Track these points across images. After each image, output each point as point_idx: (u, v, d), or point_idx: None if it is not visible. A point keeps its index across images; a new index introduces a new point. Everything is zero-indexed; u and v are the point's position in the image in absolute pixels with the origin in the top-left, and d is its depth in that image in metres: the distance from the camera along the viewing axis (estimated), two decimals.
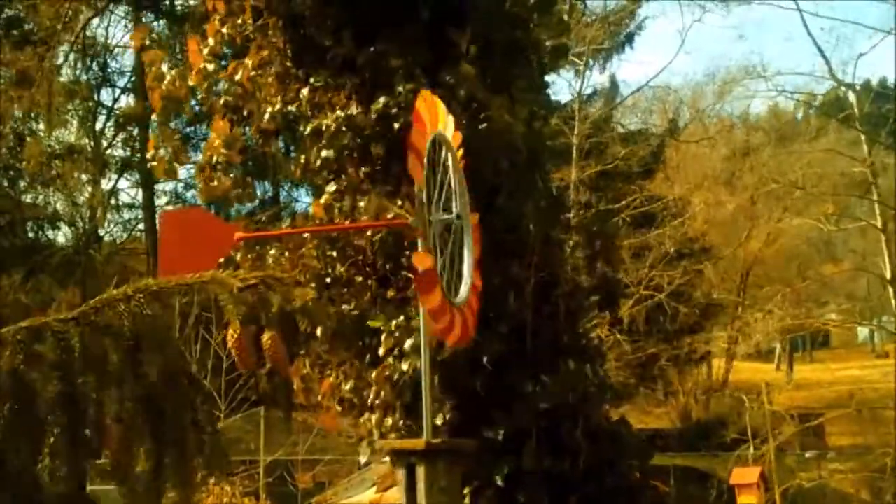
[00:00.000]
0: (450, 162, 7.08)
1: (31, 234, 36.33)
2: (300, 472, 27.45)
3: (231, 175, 10.39)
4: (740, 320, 33.40)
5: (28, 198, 36.04)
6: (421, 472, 6.47)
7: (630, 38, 38.99)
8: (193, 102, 10.42)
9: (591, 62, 36.06)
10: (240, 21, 10.08)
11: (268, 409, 26.21)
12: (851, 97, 28.11)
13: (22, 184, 35.53)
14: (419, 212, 6.97)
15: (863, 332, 53.30)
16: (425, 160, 7.04)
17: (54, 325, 3.24)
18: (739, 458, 25.71)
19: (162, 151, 10.00)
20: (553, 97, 35.14)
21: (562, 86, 70.94)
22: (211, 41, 10.13)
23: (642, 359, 32.38)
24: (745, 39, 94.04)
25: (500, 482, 9.24)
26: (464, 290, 6.81)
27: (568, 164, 32.00)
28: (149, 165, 10.58)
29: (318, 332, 9.79)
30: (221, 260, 9.76)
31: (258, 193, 37.64)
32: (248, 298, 3.46)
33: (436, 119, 7.11)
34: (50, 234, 36.89)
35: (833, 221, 29.49)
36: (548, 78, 11.91)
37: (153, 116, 10.47)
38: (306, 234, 10.09)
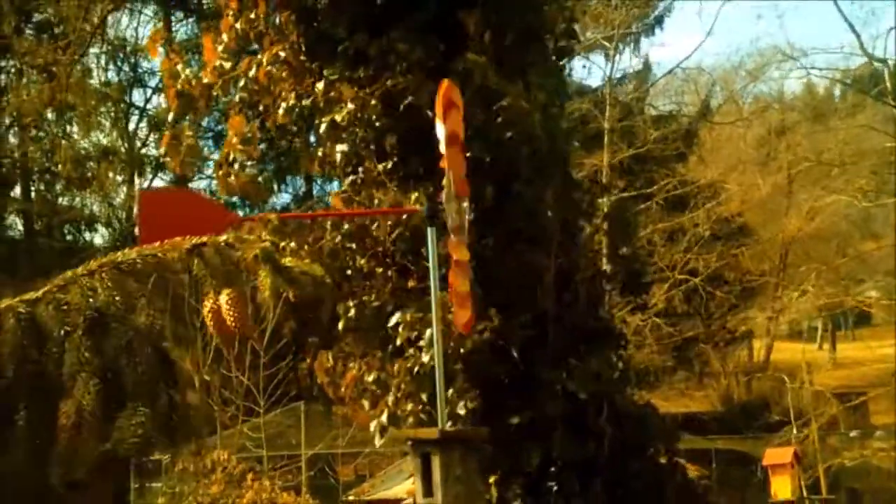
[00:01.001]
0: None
1: (68, 237, 36.67)
2: (341, 465, 27.57)
3: (256, 170, 10.45)
4: (779, 300, 33.10)
5: (64, 200, 36.38)
6: (436, 461, 6.45)
7: (659, 21, 38.65)
8: (209, 99, 10.44)
9: (621, 46, 35.82)
10: (252, 16, 10.10)
11: (308, 403, 26.33)
12: (885, 72, 27.75)
13: (58, 187, 35.88)
14: (448, 200, 6.99)
15: None
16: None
17: (17, 306, 3.24)
18: (782, 440, 25.48)
19: (170, 149, 10.06)
20: (584, 82, 35.04)
21: (594, 70, 70.80)
22: (225, 37, 10.16)
23: (680, 342, 32.20)
24: (774, 18, 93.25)
25: (531, 470, 9.24)
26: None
27: (600, 148, 31.86)
28: (162, 161, 10.67)
29: (340, 325, 9.84)
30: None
31: (293, 189, 37.78)
32: (213, 260, 3.42)
33: (442, 110, 7.08)
34: (87, 235, 37.20)
35: (869, 198, 29.10)
36: (579, 62, 11.91)
37: (169, 115, 10.49)
38: (327, 227, 10.12)
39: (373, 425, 9.95)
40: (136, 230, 6.41)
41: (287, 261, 3.69)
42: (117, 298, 3.41)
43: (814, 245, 38.67)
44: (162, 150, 10.25)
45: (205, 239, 3.61)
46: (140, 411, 3.38)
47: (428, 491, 6.50)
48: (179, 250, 3.56)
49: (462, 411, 9.01)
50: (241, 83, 10.07)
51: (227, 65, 10.00)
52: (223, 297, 3.50)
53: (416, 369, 9.20)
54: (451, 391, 9.22)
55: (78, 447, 3.26)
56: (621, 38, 34.97)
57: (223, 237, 3.70)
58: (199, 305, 3.59)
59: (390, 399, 9.57)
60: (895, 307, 30.18)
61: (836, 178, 32.10)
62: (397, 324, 9.50)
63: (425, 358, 9.08)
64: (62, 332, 3.31)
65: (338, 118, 9.55)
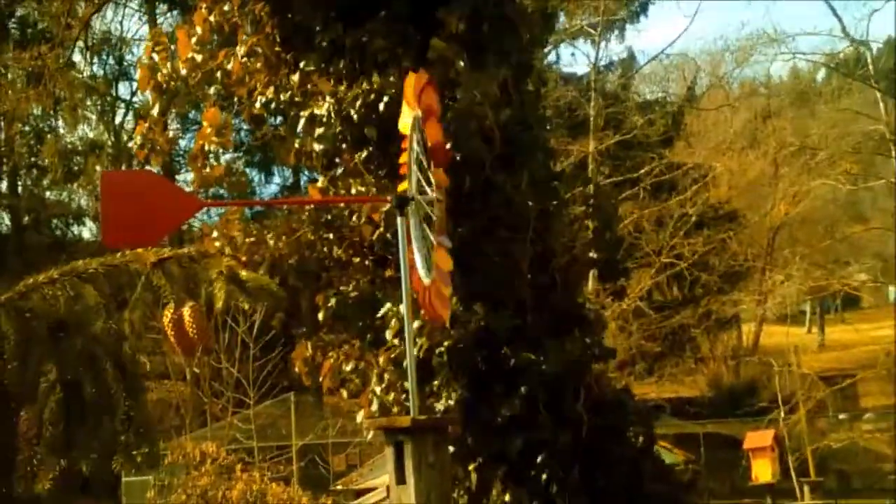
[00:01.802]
0: (415, 143, 7.08)
1: (56, 231, 36.63)
2: (332, 454, 27.66)
3: (232, 161, 10.48)
4: (767, 284, 33.21)
5: (52, 195, 36.34)
6: (409, 449, 6.50)
7: (644, 7, 38.77)
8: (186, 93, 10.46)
9: (607, 33, 35.88)
10: (226, 8, 10.11)
11: (298, 394, 26.41)
12: (868, 54, 27.81)
13: (45, 181, 35.83)
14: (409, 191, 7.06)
15: (893, 291, 52.81)
16: (413, 141, 7.11)
17: None
18: (770, 423, 25.61)
19: (139, 139, 10.09)
20: (570, 69, 35.02)
21: (579, 58, 70.75)
22: (199, 30, 10.17)
23: (667, 327, 32.29)
24: (759, 4, 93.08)
25: (511, 456, 9.29)
26: (424, 271, 6.84)
27: (586, 135, 31.89)
28: (134, 151, 10.70)
29: (320, 316, 9.89)
30: (218, 244, 9.87)
31: (279, 179, 37.78)
32: (175, 273, 3.48)
33: (416, 100, 7.11)
34: (75, 230, 37.15)
35: (854, 181, 29.20)
36: (566, 50, 11.93)
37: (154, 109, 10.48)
38: (304, 218, 10.17)
39: (360, 416, 10.01)
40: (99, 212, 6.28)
41: (244, 274, 3.80)
42: (76, 308, 3.45)
43: (800, 228, 38.80)
44: (137, 140, 10.25)
45: (168, 253, 3.69)
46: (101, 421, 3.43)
47: (401, 478, 6.55)
48: (142, 262, 3.62)
49: (443, 404, 9.09)
50: (217, 75, 10.08)
51: (200, 57, 10.01)
52: (186, 310, 3.59)
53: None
54: (436, 382, 9.29)
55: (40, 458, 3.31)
56: (606, 26, 35.01)
57: (185, 250, 3.78)
58: (160, 315, 3.68)
59: (378, 389, 9.62)
60: (885, 290, 30.25)
61: (822, 162, 32.18)
62: (385, 314, 9.56)
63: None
64: (23, 339, 3.34)
65: (318, 112, 9.57)
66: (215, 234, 10.05)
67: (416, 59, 9.36)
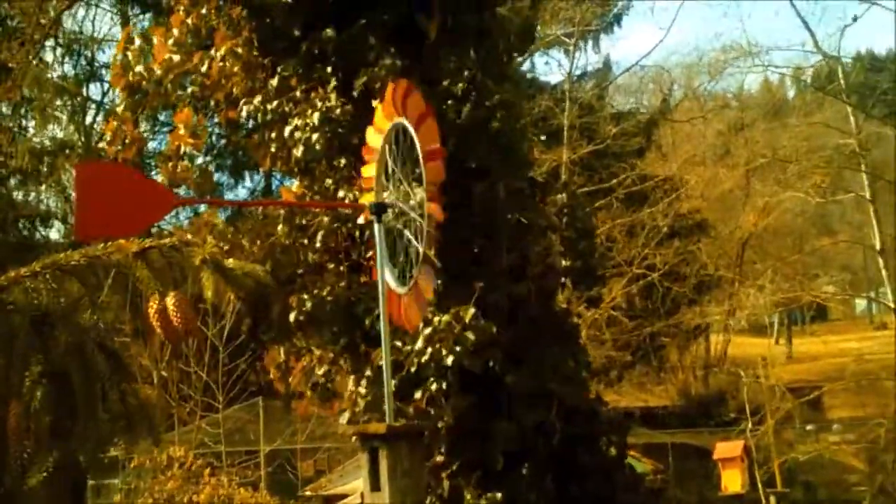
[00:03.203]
0: (391, 151, 7.06)
1: (24, 232, 36.20)
2: (301, 460, 27.54)
3: (204, 163, 10.44)
4: (736, 296, 33.40)
5: (20, 195, 35.93)
6: (383, 455, 6.48)
7: (618, 18, 38.98)
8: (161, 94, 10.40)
9: (581, 43, 36.04)
10: (204, 11, 10.06)
11: (267, 399, 26.27)
12: (839, 69, 28.05)
13: (13, 181, 35.42)
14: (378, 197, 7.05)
15: (861, 303, 53.27)
16: (385, 148, 7.10)
17: None
18: (738, 434, 25.74)
19: (109, 135, 10.03)
20: (545, 78, 35.13)
21: (554, 67, 71.01)
22: (175, 32, 10.11)
23: (639, 336, 32.40)
24: (735, 17, 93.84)
25: (485, 463, 9.30)
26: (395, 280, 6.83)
27: (560, 144, 31.96)
28: (105, 146, 10.62)
29: (291, 319, 9.84)
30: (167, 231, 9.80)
31: (252, 183, 37.64)
32: (158, 263, 3.46)
33: (401, 108, 7.07)
34: (43, 231, 36.76)
35: (823, 194, 29.47)
36: (539, 59, 11.98)
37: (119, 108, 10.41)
38: (279, 222, 10.13)
39: (343, 418, 9.97)
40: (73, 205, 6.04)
41: (231, 262, 3.76)
42: (62, 299, 3.43)
43: (770, 241, 39.07)
44: (107, 137, 10.17)
45: (151, 243, 3.67)
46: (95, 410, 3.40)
47: (375, 485, 6.52)
48: (125, 253, 3.60)
49: (428, 406, 9.09)
50: (193, 77, 10.03)
51: (177, 58, 9.95)
52: (170, 300, 3.56)
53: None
54: (421, 393, 9.27)
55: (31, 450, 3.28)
56: (581, 36, 35.14)
57: (168, 241, 3.75)
58: (144, 306, 3.64)
59: (363, 390, 9.60)
60: (852, 303, 30.50)
61: (793, 175, 32.41)
62: (353, 318, 9.54)
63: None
64: (6, 333, 3.32)
65: (306, 121, 9.53)
66: (189, 237, 9.98)
67: (405, 69, 9.35)
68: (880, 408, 29.18)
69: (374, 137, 7.25)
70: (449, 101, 9.58)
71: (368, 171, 7.34)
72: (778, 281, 28.57)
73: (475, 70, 10.00)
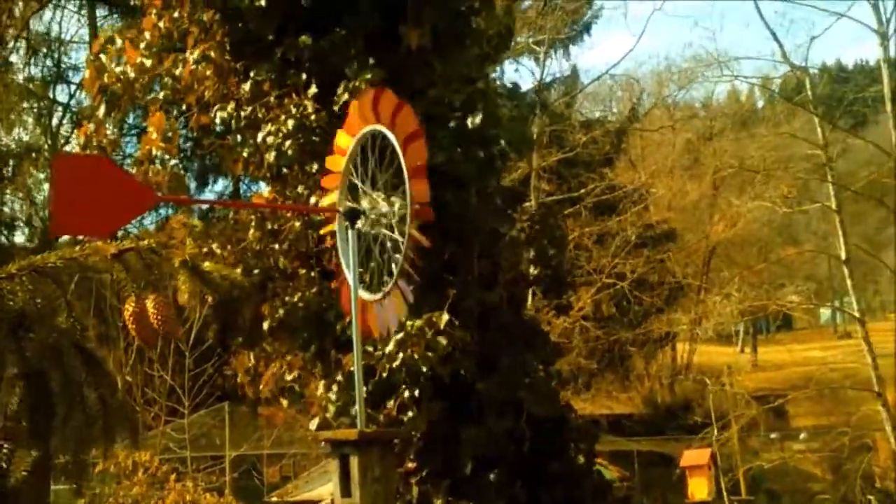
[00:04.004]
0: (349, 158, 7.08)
1: None
2: (266, 466, 27.42)
3: (177, 167, 10.39)
4: (703, 304, 33.61)
5: None
6: (354, 461, 6.47)
7: (587, 27, 39.14)
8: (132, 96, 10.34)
9: (552, 51, 36.14)
10: (176, 15, 10.01)
11: (233, 404, 26.14)
12: (807, 80, 28.28)
13: None
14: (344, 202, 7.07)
15: (825, 313, 53.70)
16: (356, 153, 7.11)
17: None
18: (703, 441, 25.90)
19: (83, 139, 9.98)
20: (511, 86, 35.18)
21: (523, 75, 71.19)
22: (147, 35, 10.06)
23: (606, 345, 32.51)
24: (703, 27, 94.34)
25: (455, 470, 9.30)
26: (361, 292, 6.84)
27: (529, 152, 32.00)
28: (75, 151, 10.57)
29: (265, 325, 9.82)
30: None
31: (218, 188, 37.42)
32: (135, 265, 3.44)
33: (389, 121, 7.07)
34: (7, 235, 36.31)
35: (789, 204, 29.74)
36: (509, 66, 12.03)
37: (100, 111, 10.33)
38: (251, 231, 10.09)
39: (313, 424, 9.94)
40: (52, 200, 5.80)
41: (207, 265, 3.76)
42: (38, 301, 3.42)
43: (737, 250, 39.36)
44: (80, 140, 10.10)
45: (129, 245, 3.65)
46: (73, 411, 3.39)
47: (346, 491, 6.51)
48: (102, 255, 3.58)
49: (398, 413, 9.08)
50: (165, 81, 9.99)
51: (149, 62, 9.90)
52: (149, 302, 3.56)
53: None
54: (392, 400, 9.26)
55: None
56: (551, 44, 35.25)
57: (146, 241, 3.74)
58: (121, 307, 3.62)
59: (333, 396, 9.57)
60: (816, 312, 30.76)
61: (760, 185, 32.66)
62: (323, 324, 9.52)
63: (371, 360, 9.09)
64: None
65: (282, 128, 9.49)
66: (167, 240, 9.90)
67: (381, 78, 9.33)
68: (844, 416, 29.43)
69: (344, 139, 7.24)
70: (435, 110, 9.57)
71: (333, 171, 7.34)
72: (744, 290, 28.79)
73: (458, 83, 10.03)
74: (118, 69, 10.37)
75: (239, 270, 9.69)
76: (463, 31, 10.34)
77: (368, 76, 9.23)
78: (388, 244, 6.78)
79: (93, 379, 3.44)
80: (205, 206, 27.46)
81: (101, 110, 10.41)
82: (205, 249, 9.82)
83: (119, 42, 10.24)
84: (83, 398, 3.38)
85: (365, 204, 6.98)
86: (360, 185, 7.04)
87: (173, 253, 3.64)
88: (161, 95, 10.10)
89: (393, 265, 6.69)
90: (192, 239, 9.55)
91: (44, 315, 3.35)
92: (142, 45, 9.99)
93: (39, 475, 3.34)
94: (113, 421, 3.46)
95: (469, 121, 9.95)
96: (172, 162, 10.10)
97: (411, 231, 6.47)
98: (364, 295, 6.81)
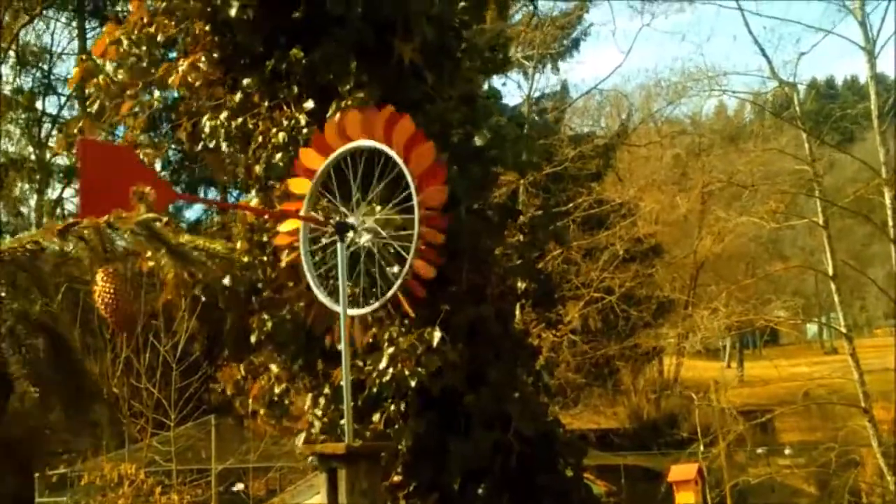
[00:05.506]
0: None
1: None
2: (252, 479, 27.32)
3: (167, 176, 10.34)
4: (690, 319, 33.67)
5: None
6: (342, 475, 6.46)
7: (576, 43, 39.27)
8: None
9: (540, 66, 36.25)
10: (153, 29, 9.98)
11: (219, 417, 26.05)
12: (794, 96, 28.42)
13: None
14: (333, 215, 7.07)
15: (812, 328, 53.87)
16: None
17: None
18: (690, 456, 25.91)
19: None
20: (503, 101, 35.24)
21: (512, 90, 71.41)
22: (124, 43, 10.02)
23: (594, 359, 32.53)
24: (691, 42, 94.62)
25: (444, 484, 9.26)
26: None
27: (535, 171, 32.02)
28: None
29: (253, 338, 9.77)
30: (152, 262, 9.70)
31: (207, 197, 37.34)
32: (92, 239, 3.31)
33: (382, 133, 7.09)
34: None
35: (777, 219, 29.83)
36: (498, 81, 12.04)
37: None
38: (239, 242, 10.04)
39: (299, 440, 9.89)
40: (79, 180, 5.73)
41: (184, 238, 3.45)
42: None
43: (724, 265, 39.46)
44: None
45: (84, 221, 3.45)
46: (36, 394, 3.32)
47: None
48: (50, 233, 3.42)
49: (385, 427, 9.04)
50: (152, 90, 9.95)
51: (143, 64, 9.86)
52: (99, 274, 3.28)
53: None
54: (379, 414, 9.22)
55: None
56: (540, 59, 35.35)
57: (104, 217, 3.50)
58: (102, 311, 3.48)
59: (318, 412, 9.53)
60: (803, 328, 30.83)
61: (747, 200, 32.76)
62: (312, 337, 9.47)
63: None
64: None
65: (273, 140, 9.45)
66: (150, 253, 9.86)
67: (373, 95, 9.31)
68: (830, 432, 29.48)
69: (314, 158, 7.28)
70: (433, 128, 9.55)
71: (299, 187, 7.36)
72: (732, 305, 28.85)
73: (455, 100, 10.03)
74: (109, 70, 10.29)
75: (227, 281, 9.66)
76: (454, 46, 10.33)
77: (361, 95, 9.20)
78: (378, 256, 6.78)
79: (59, 360, 3.34)
80: (192, 220, 27.42)
81: (94, 114, 10.33)
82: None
83: (125, 43, 10.12)
84: (45, 385, 3.29)
85: (353, 219, 7.00)
86: (345, 200, 7.04)
87: (126, 221, 3.38)
88: (148, 102, 10.06)
89: (379, 278, 6.69)
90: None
91: (14, 300, 3.26)
92: (125, 43, 9.91)
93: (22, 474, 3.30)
94: (84, 400, 3.38)
95: (476, 139, 9.96)
96: (161, 172, 10.04)
97: (427, 233, 6.49)
98: (335, 307, 6.83)
